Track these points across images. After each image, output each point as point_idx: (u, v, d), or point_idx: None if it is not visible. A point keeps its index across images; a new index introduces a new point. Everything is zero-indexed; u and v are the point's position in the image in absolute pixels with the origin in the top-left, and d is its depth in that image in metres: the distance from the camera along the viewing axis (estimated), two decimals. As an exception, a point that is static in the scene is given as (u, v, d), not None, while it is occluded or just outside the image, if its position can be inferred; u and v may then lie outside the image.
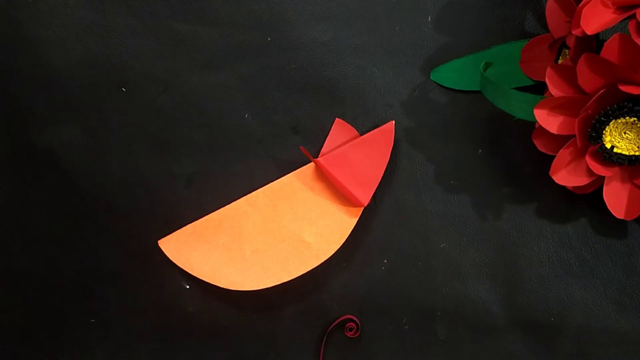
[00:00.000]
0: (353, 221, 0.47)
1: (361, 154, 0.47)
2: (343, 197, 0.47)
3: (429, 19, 0.46)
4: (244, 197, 0.48)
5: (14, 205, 0.51)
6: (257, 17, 0.46)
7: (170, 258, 0.48)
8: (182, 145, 0.49)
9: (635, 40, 0.33)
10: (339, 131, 0.47)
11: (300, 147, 0.47)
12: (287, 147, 0.48)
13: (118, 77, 0.48)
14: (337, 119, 0.47)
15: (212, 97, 0.48)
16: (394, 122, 0.46)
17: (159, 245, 0.48)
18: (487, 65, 0.40)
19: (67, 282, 0.52)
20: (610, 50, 0.34)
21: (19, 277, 0.52)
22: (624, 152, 0.37)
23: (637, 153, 0.37)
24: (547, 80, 0.37)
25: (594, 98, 0.35)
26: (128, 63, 0.48)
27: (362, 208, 0.48)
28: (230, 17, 0.47)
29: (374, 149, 0.47)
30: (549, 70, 0.37)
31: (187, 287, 0.50)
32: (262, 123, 0.48)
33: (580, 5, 0.35)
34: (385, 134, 0.46)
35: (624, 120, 0.36)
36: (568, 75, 0.36)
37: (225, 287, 0.47)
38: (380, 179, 0.47)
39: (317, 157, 0.48)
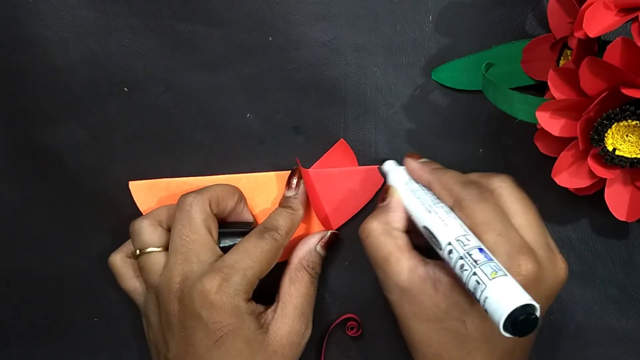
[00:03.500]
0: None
1: (349, 183, 0.47)
2: (314, 211, 0.48)
3: (430, 18, 0.46)
4: (228, 175, 0.49)
5: (17, 204, 0.51)
6: (258, 17, 0.46)
7: (136, 201, 0.49)
8: (183, 145, 0.49)
9: (638, 44, 0.33)
10: (339, 152, 0.47)
11: (296, 158, 0.47)
12: (289, 147, 0.48)
13: (120, 77, 0.48)
14: (341, 139, 0.47)
15: (213, 97, 0.48)
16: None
17: (129, 185, 0.49)
18: (489, 66, 0.40)
19: (70, 281, 0.52)
20: (613, 54, 0.34)
21: (22, 277, 0.52)
22: (625, 155, 0.37)
23: (638, 156, 0.37)
24: (549, 83, 0.37)
25: (596, 101, 0.35)
26: (130, 63, 0.48)
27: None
28: (232, 17, 0.47)
29: (362, 184, 0.47)
30: (551, 73, 0.37)
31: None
32: (264, 123, 0.48)
33: (582, 7, 0.35)
34: (378, 177, 0.47)
35: (626, 124, 0.36)
36: (570, 78, 0.36)
37: None
38: (356, 212, 0.48)
39: (310, 165, 0.48)
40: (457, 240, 0.37)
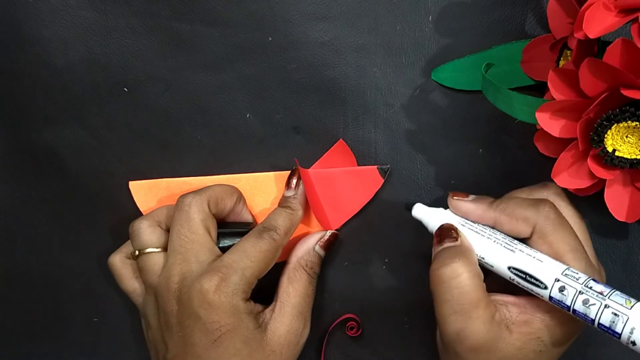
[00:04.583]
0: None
1: (349, 184, 0.47)
2: (313, 211, 0.48)
3: (430, 18, 0.46)
4: (228, 175, 0.49)
5: (17, 205, 0.51)
6: (258, 17, 0.46)
7: (136, 201, 0.49)
8: (183, 145, 0.49)
9: (638, 45, 0.33)
10: (338, 153, 0.47)
11: (294, 159, 0.47)
12: (289, 147, 0.48)
13: (119, 77, 0.48)
14: (340, 139, 0.47)
15: (213, 97, 0.48)
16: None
17: (129, 185, 0.49)
18: (489, 66, 0.40)
19: (70, 281, 0.52)
20: (613, 55, 0.34)
21: (22, 277, 0.52)
22: (625, 156, 0.37)
23: (638, 157, 0.37)
24: (549, 84, 0.37)
25: (596, 102, 0.35)
26: (129, 63, 0.48)
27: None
28: (231, 17, 0.47)
29: (362, 185, 0.47)
30: (551, 74, 0.37)
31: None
32: (264, 123, 0.48)
33: (582, 8, 0.35)
34: (377, 177, 0.47)
35: (625, 125, 0.36)
36: (570, 79, 0.36)
37: None
38: (356, 212, 0.48)
39: (310, 165, 0.48)
40: (565, 275, 0.35)
